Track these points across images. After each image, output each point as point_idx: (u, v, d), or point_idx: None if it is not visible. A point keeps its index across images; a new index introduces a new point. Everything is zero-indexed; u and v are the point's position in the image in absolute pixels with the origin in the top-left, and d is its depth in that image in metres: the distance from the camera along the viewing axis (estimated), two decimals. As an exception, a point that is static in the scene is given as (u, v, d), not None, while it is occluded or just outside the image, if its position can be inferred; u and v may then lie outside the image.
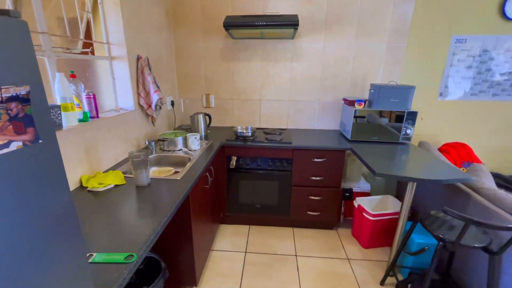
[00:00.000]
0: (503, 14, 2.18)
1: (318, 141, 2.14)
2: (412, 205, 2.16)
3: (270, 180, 2.16)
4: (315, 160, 2.07)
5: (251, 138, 2.15)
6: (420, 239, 1.71)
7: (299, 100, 2.50)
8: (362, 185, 2.42)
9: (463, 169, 2.18)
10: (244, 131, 2.20)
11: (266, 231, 2.31)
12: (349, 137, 2.15)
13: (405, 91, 2.02)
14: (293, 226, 2.37)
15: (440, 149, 2.35)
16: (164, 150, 1.86)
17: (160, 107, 1.98)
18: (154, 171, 1.69)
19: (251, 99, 2.54)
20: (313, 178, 2.12)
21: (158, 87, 1.88)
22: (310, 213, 2.21)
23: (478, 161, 2.24)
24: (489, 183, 1.62)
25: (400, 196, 2.39)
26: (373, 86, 2.11)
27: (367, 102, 2.15)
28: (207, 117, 2.26)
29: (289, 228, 2.35)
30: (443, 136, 2.54)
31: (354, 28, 2.29)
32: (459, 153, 2.26)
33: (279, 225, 2.37)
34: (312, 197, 2.16)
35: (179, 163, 1.78)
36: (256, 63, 2.43)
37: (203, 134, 2.20)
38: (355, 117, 2.08)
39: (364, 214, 2.03)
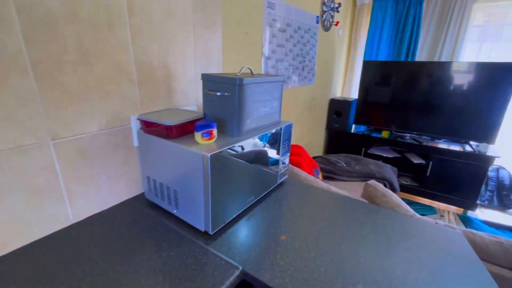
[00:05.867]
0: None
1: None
2: None
3: None
4: None
5: None
6: None
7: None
8: None
9: (320, 177, 1.69)
10: None
11: None
12: (209, 229, 0.77)
13: (274, 88, 0.97)
14: None
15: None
16: None
17: None
18: None
19: None
20: None
21: None
22: None
23: (315, 163, 1.87)
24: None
25: None
26: (222, 83, 0.82)
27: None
28: None
29: None
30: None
31: None
32: (304, 159, 1.73)
33: None
34: None
35: None
36: None
37: None
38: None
39: None
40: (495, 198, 2.65)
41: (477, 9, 2.53)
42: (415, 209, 2.57)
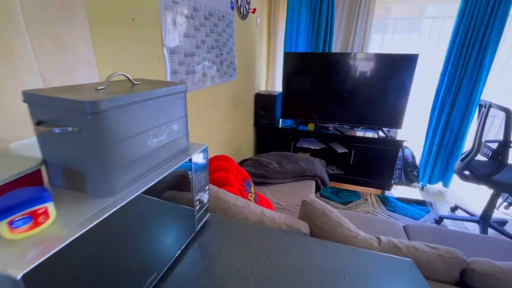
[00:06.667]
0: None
1: None
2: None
3: None
4: None
5: None
6: None
7: None
8: None
9: (250, 195, 1.46)
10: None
11: None
12: None
13: (173, 104, 0.65)
14: None
15: (213, 180, 1.38)
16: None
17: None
18: None
19: None
20: None
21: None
22: None
23: (246, 174, 1.64)
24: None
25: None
26: (62, 109, 0.45)
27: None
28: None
29: None
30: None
31: None
32: (233, 173, 1.47)
33: None
34: None
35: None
36: None
37: None
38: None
39: None
40: (402, 175, 3.01)
41: (379, 2, 2.69)
42: (342, 196, 2.68)
